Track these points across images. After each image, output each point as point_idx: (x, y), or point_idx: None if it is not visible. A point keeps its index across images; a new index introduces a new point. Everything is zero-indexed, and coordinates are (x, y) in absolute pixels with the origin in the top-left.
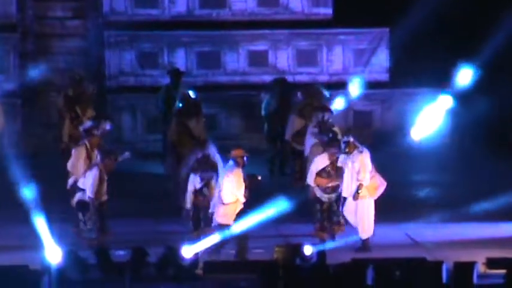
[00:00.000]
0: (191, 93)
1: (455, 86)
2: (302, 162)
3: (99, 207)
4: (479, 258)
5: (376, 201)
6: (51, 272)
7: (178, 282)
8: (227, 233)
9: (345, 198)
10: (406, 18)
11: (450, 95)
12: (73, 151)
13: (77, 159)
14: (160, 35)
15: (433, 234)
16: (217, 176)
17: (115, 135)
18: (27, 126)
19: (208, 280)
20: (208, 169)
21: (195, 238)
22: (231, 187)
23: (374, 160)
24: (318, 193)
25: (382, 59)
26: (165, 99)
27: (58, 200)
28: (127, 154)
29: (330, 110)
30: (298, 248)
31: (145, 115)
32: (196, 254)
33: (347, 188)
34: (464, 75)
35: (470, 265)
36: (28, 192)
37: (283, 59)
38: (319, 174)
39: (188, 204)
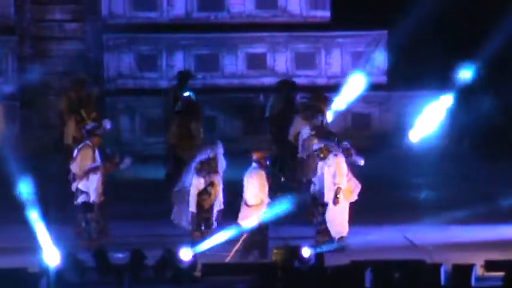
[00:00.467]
0: (191, 95)
1: (454, 87)
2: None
3: (100, 209)
4: (478, 260)
5: (374, 204)
6: (50, 275)
7: (177, 284)
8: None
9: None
10: (404, 21)
11: (449, 96)
12: (78, 153)
13: (84, 160)
14: (159, 38)
15: (432, 237)
16: (222, 176)
17: (114, 138)
18: (25, 128)
19: (206, 282)
20: (211, 171)
21: (199, 239)
22: (255, 189)
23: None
24: None
25: (380, 61)
26: (173, 101)
27: (57, 202)
28: (128, 162)
29: (328, 116)
30: (296, 250)
31: (144, 117)
32: (195, 256)
33: (326, 194)
34: (463, 77)
35: (469, 267)
36: (27, 194)
37: (281, 61)
38: None
39: (193, 207)
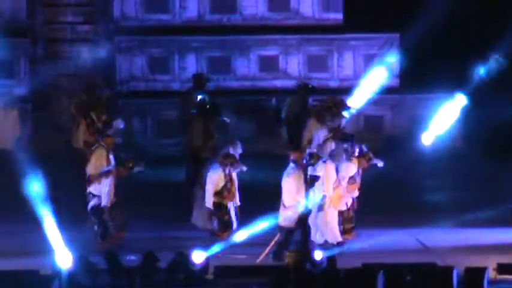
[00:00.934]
0: (206, 98)
1: (466, 89)
2: None
3: (114, 209)
4: (490, 263)
5: (386, 206)
6: (62, 277)
7: (189, 287)
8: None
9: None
10: (416, 23)
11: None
12: (92, 154)
13: (99, 162)
14: (171, 40)
15: (444, 240)
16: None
17: (126, 140)
18: (37, 130)
19: (218, 285)
20: (234, 164)
21: (224, 239)
22: (291, 190)
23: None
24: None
25: (392, 64)
26: (193, 103)
27: (69, 204)
28: (141, 166)
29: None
30: (308, 253)
31: (156, 120)
32: (207, 258)
33: (312, 199)
34: (475, 78)
35: (481, 270)
36: (39, 196)
37: (293, 64)
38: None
39: (210, 204)
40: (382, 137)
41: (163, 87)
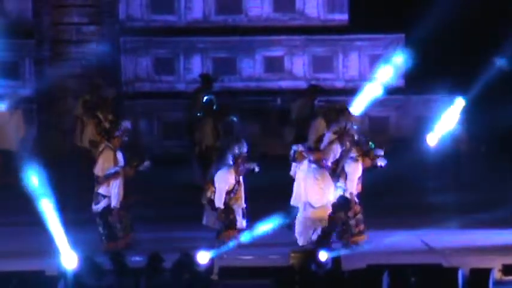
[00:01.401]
0: (212, 98)
1: (472, 90)
2: None
3: (121, 209)
4: (495, 264)
5: (391, 207)
6: (67, 278)
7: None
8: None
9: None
10: (421, 24)
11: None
12: (100, 155)
13: (106, 163)
14: (176, 41)
15: (449, 240)
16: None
17: (131, 141)
18: (43, 131)
19: (223, 285)
20: (245, 164)
21: (229, 239)
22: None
23: (390, 166)
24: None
25: (397, 65)
26: (201, 104)
27: (74, 206)
28: (147, 163)
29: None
30: (313, 254)
31: (161, 121)
32: (212, 259)
33: (296, 197)
34: (480, 80)
35: (486, 272)
36: (44, 197)
37: (299, 65)
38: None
39: (221, 203)
40: (387, 138)
41: (168, 88)
